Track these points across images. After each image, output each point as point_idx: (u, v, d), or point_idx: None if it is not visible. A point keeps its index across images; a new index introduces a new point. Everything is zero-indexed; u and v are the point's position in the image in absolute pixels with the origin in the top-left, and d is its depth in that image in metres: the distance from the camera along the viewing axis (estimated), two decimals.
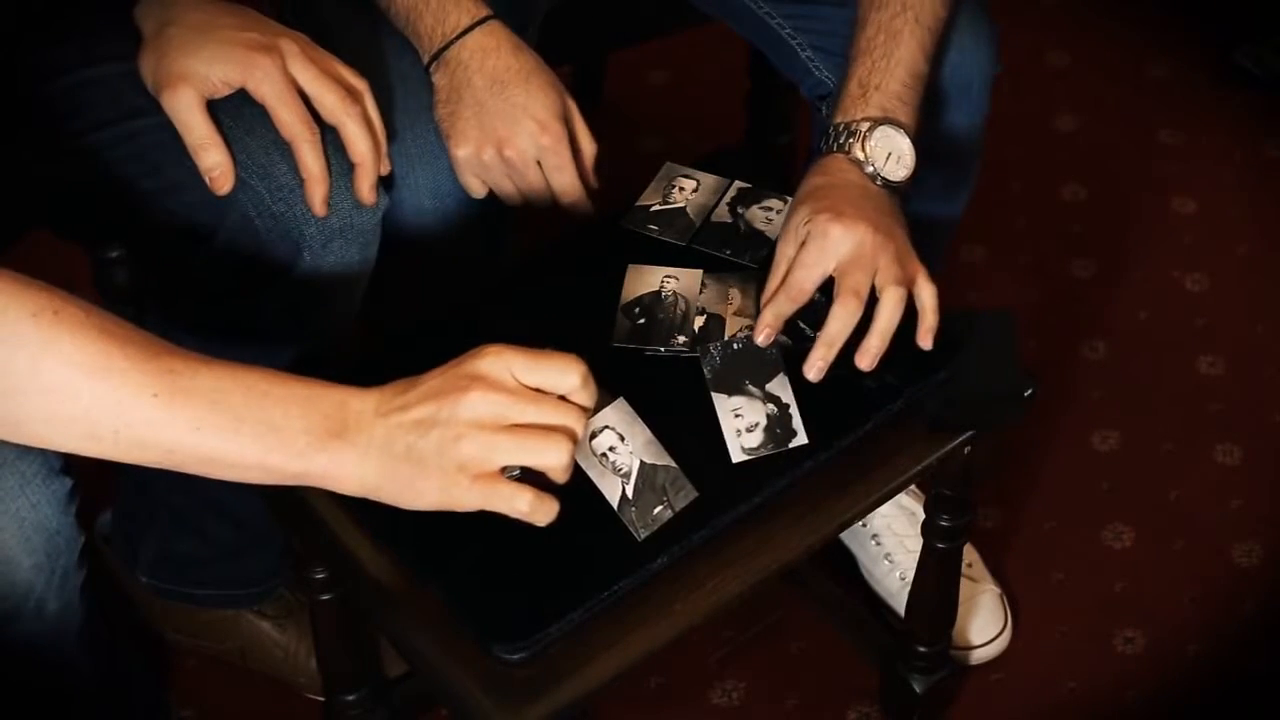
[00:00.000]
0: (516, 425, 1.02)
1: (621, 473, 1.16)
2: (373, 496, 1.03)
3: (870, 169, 1.30)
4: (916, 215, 1.53)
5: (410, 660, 1.25)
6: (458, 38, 1.33)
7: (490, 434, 1.01)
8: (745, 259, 1.34)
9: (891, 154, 1.31)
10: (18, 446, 1.07)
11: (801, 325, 1.29)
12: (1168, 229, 2.18)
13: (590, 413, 1.07)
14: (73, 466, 1.12)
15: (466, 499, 1.02)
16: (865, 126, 1.30)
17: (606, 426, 1.17)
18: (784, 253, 1.28)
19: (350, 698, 1.46)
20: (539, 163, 1.33)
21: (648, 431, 1.18)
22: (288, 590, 1.63)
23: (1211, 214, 2.20)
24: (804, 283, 1.25)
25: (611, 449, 1.17)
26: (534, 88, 1.32)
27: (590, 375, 1.05)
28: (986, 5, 1.48)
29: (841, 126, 1.32)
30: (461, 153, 1.33)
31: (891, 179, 1.31)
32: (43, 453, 1.10)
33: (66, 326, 0.95)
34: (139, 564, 1.62)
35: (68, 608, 1.15)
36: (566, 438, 1.03)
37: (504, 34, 1.34)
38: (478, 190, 1.35)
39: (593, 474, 1.15)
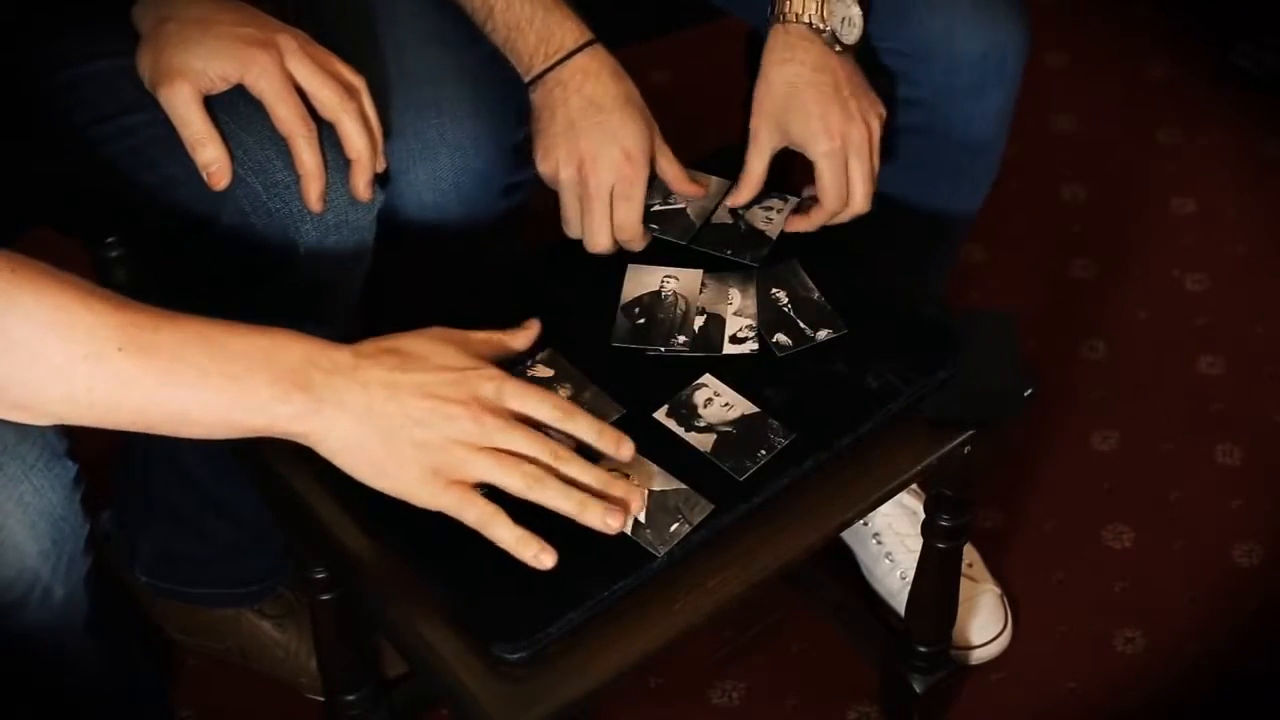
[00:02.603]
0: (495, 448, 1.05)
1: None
2: (336, 461, 1.04)
3: (826, 33, 1.36)
4: (939, 209, 1.54)
5: (410, 660, 1.25)
6: (560, 61, 1.34)
7: (469, 451, 1.04)
8: (746, 258, 1.34)
9: (845, 19, 1.37)
10: (18, 431, 1.07)
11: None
12: (1168, 229, 2.18)
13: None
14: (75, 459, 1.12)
15: (437, 501, 1.05)
16: None
17: (610, 470, 1.16)
18: (757, 163, 1.36)
19: (350, 698, 1.46)
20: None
21: (653, 465, 1.18)
22: (288, 590, 1.63)
23: (1211, 214, 2.20)
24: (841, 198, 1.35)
25: None
26: (627, 116, 1.33)
27: (575, 409, 1.09)
28: None
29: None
30: (544, 168, 1.34)
31: (845, 41, 1.36)
32: (44, 436, 1.09)
33: (26, 283, 0.95)
34: (138, 563, 1.62)
35: (74, 596, 1.14)
36: (534, 466, 1.05)
37: (606, 58, 1.35)
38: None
39: None
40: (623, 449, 1.10)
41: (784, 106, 1.35)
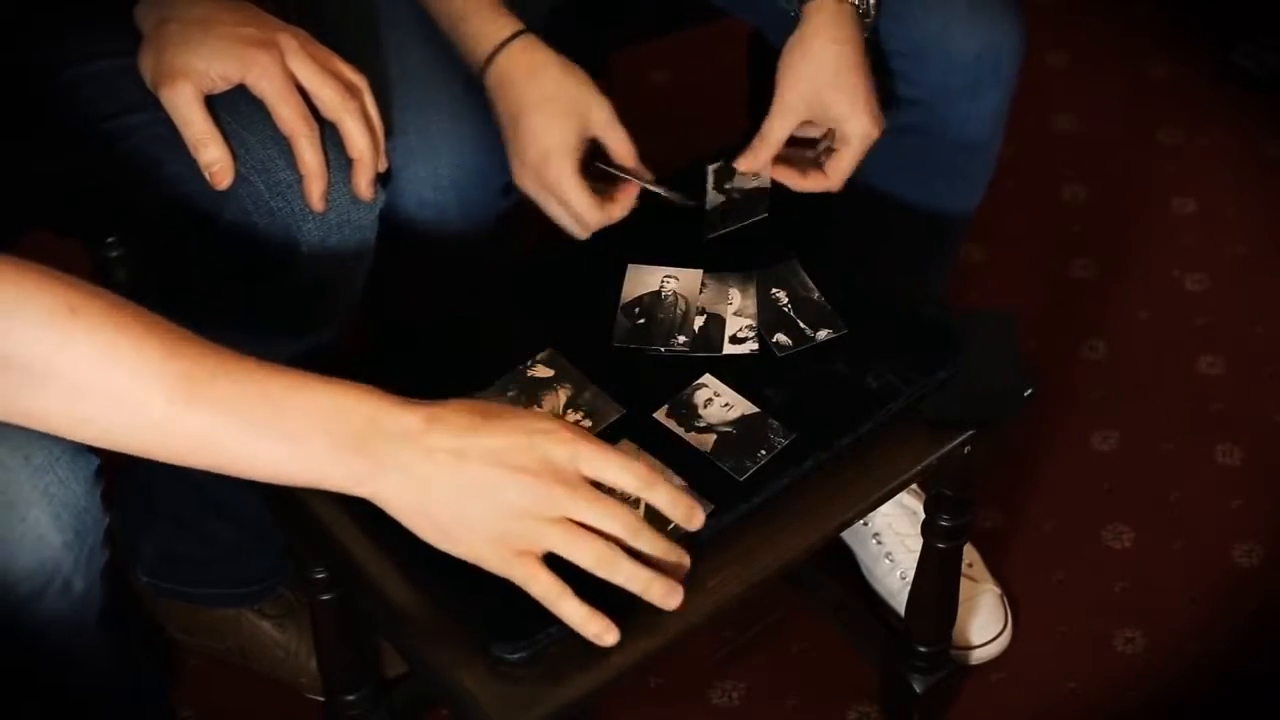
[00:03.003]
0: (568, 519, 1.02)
1: (630, 500, 1.15)
2: (401, 521, 1.02)
3: (870, 20, 1.38)
4: (936, 209, 1.54)
5: (410, 660, 1.25)
6: (483, 73, 1.33)
7: (538, 522, 1.01)
8: (757, 213, 1.37)
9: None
10: None
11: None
12: (1168, 229, 2.18)
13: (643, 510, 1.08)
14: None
15: (505, 570, 1.02)
16: None
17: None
18: (776, 133, 1.35)
19: (350, 698, 1.46)
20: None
21: (655, 462, 1.17)
22: (288, 590, 1.63)
23: (1211, 214, 2.20)
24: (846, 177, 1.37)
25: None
26: (537, 119, 1.31)
27: (655, 478, 1.05)
28: None
29: None
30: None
31: (872, 14, 1.39)
32: None
33: (83, 325, 0.94)
34: (139, 563, 1.62)
35: (91, 589, 1.14)
36: (606, 545, 1.02)
37: (515, 61, 1.33)
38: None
39: None
40: (694, 519, 1.07)
41: (831, 83, 1.35)
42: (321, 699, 1.56)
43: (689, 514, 1.07)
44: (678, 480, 1.16)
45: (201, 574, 1.60)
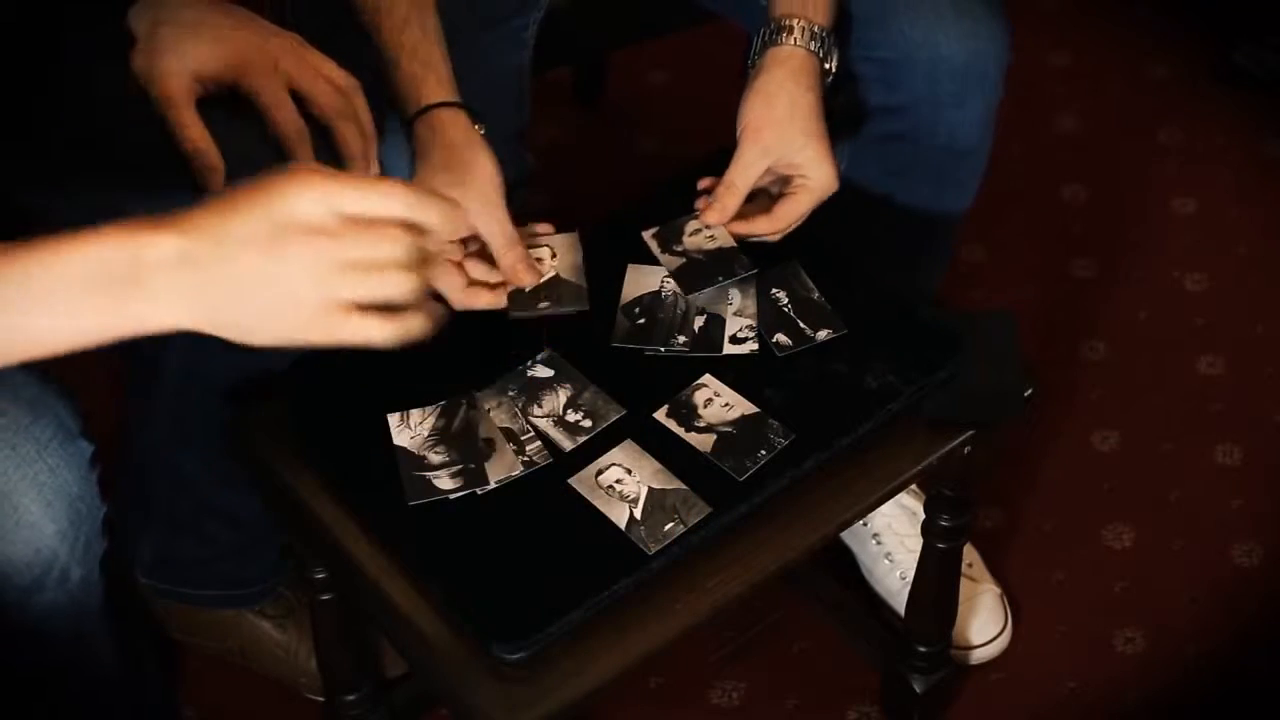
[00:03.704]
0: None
1: (629, 499, 1.16)
2: (213, 334, 0.94)
3: (826, 65, 1.37)
4: (926, 213, 1.54)
5: (410, 660, 1.25)
6: (408, 130, 1.32)
7: (329, 280, 0.92)
8: (740, 274, 1.32)
9: (833, 53, 1.38)
10: (32, 410, 1.05)
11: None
12: (1168, 229, 2.18)
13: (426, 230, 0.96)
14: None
15: (335, 338, 0.94)
16: (823, 30, 1.36)
17: (614, 464, 1.17)
18: (745, 177, 1.32)
19: (350, 698, 1.46)
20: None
21: (656, 463, 1.18)
22: (288, 590, 1.64)
23: (1211, 214, 2.20)
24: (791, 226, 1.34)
25: (619, 481, 1.17)
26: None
27: (420, 196, 0.95)
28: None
29: (804, 26, 1.35)
30: None
31: (832, 73, 1.38)
32: (57, 416, 1.08)
33: None
34: (138, 564, 1.62)
35: (90, 578, 1.13)
36: (403, 269, 0.94)
37: (420, 135, 1.30)
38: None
39: (599, 504, 1.16)
40: (455, 221, 0.97)
41: (801, 129, 1.33)
42: (321, 699, 1.56)
43: (452, 216, 0.96)
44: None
45: (200, 575, 1.60)
